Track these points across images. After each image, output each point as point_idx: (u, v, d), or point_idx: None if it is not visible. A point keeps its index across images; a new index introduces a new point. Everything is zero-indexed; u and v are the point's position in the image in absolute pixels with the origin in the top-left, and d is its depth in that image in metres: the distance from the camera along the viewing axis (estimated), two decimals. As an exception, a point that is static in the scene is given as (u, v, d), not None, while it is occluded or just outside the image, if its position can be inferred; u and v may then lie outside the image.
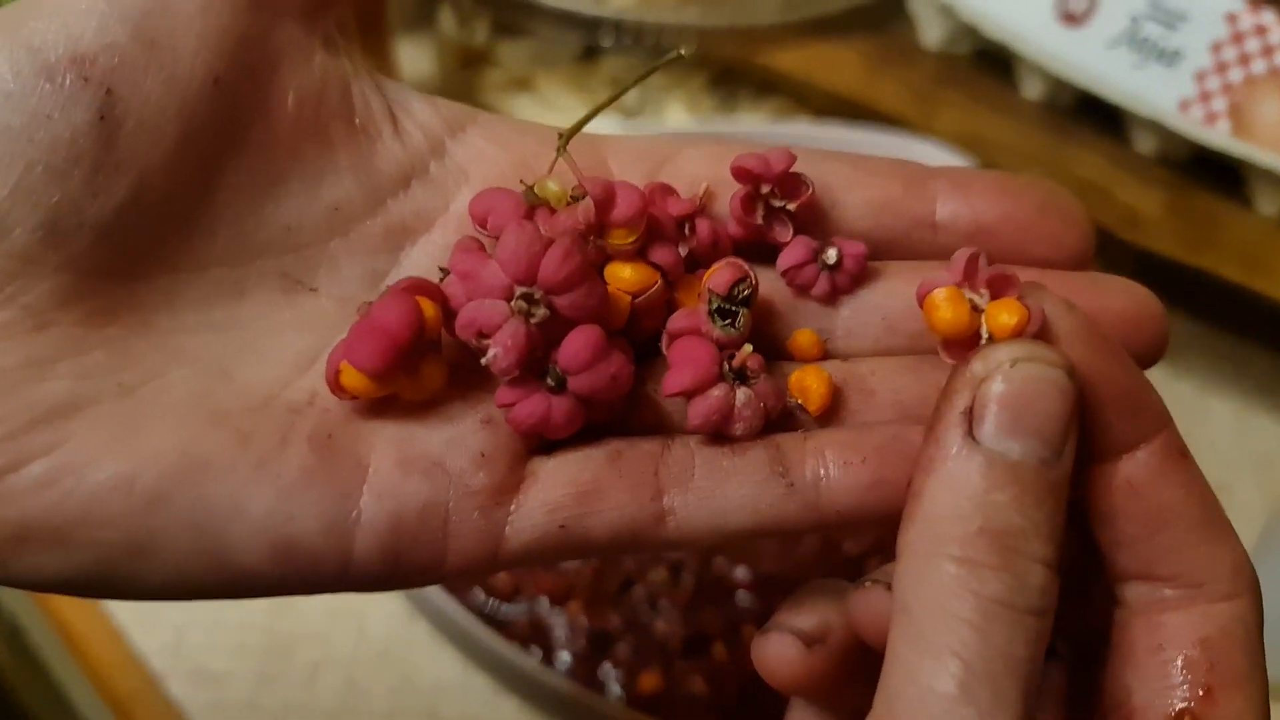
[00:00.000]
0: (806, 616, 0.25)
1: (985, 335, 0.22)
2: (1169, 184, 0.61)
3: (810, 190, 0.25)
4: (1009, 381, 0.20)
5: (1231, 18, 0.57)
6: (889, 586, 0.22)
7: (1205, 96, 0.58)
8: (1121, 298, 0.24)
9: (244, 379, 0.22)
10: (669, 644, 0.46)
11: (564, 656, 0.45)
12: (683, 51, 0.26)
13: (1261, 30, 0.57)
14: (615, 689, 0.45)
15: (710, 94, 0.73)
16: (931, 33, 0.70)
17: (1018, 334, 0.21)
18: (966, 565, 0.20)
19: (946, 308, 0.22)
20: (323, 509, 0.21)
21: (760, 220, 0.25)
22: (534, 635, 0.46)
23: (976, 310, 0.22)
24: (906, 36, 0.71)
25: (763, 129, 0.66)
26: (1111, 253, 0.61)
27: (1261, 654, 0.22)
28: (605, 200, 0.24)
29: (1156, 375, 0.24)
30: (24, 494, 0.20)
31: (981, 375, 0.21)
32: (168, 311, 0.23)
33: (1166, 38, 0.58)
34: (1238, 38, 0.57)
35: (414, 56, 0.76)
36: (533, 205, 0.24)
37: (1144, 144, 0.62)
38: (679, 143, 0.26)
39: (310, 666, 0.49)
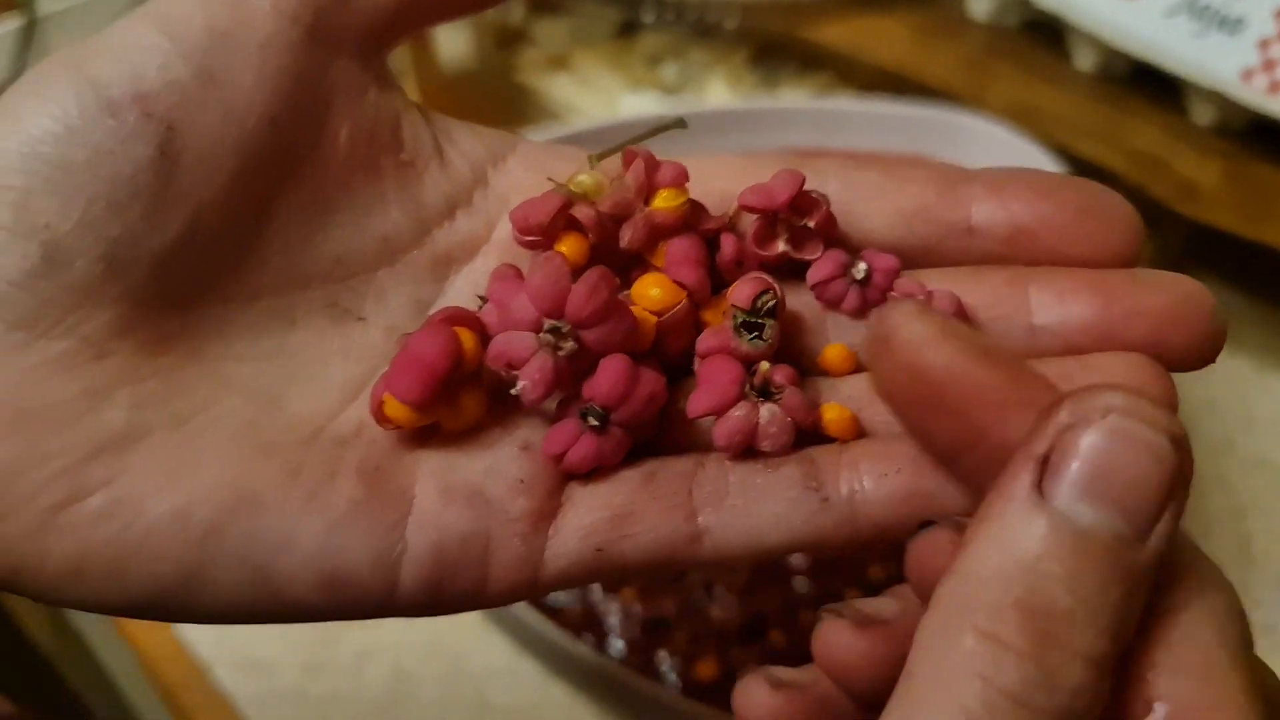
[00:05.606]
0: (871, 601, 0.24)
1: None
2: (1228, 155, 0.60)
3: (825, 207, 0.24)
4: (1096, 434, 0.17)
5: (1297, -17, 0.55)
6: (958, 527, 0.20)
7: (1269, 65, 0.56)
8: (1165, 293, 0.23)
9: (293, 409, 0.23)
10: (725, 630, 0.45)
11: (618, 644, 0.45)
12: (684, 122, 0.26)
13: (1328, -5, 0.55)
14: (671, 676, 0.44)
15: (752, 70, 0.72)
16: (980, 3, 0.68)
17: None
18: (988, 641, 0.17)
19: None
20: (371, 541, 0.21)
21: (782, 246, 0.25)
22: (587, 623, 0.45)
23: None
24: (955, 8, 0.70)
25: (807, 104, 0.65)
26: (1166, 226, 0.60)
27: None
28: (650, 164, 0.24)
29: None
30: (83, 526, 0.20)
31: (1067, 422, 0.17)
32: (219, 340, 0.23)
33: (1228, 4, 0.57)
34: (1303, 3, 0.55)
35: (450, 36, 0.75)
36: (569, 200, 0.24)
37: (1202, 114, 0.60)
38: (704, 160, 0.26)
39: (358, 654, 0.48)
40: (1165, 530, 0.17)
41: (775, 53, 0.73)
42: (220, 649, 0.48)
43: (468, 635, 0.49)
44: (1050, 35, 0.66)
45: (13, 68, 0.72)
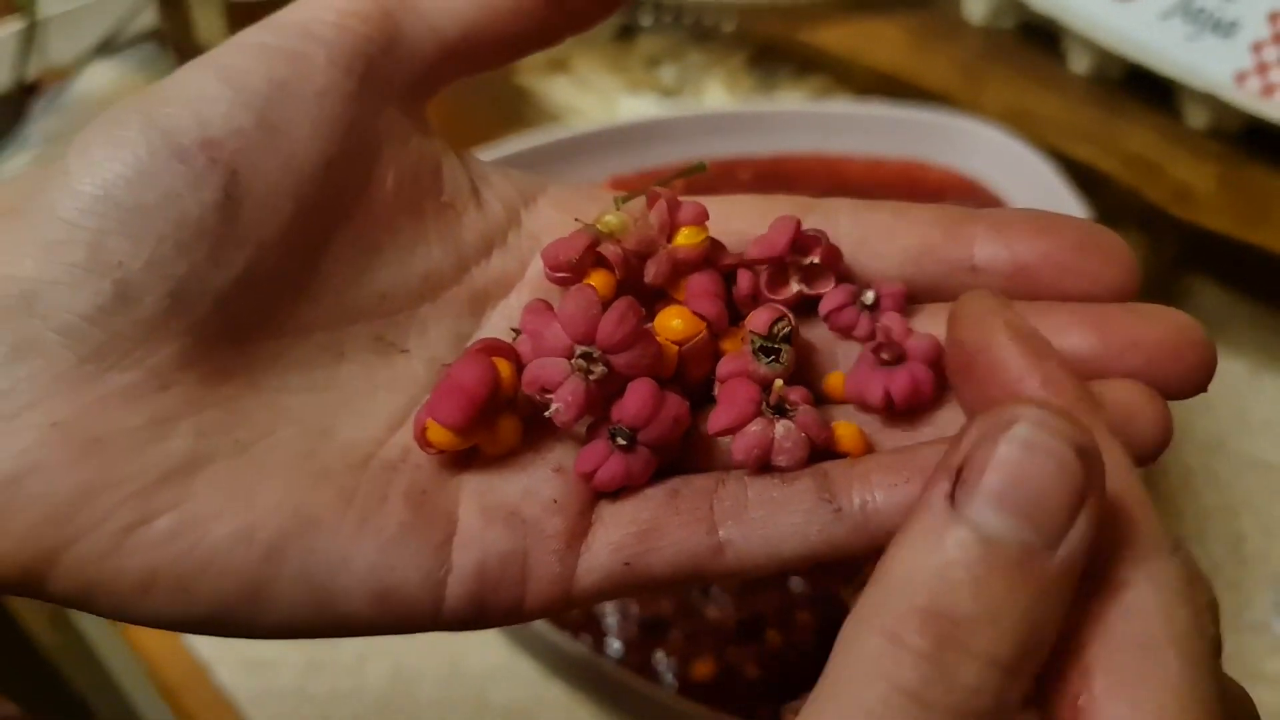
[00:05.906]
0: None
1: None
2: (1222, 158, 0.60)
3: (824, 241, 0.26)
4: (1005, 446, 0.18)
5: (1290, -13, 0.56)
6: None
7: (1262, 68, 0.56)
8: (1160, 326, 0.24)
9: (344, 436, 0.24)
10: (722, 630, 0.45)
11: (615, 644, 0.45)
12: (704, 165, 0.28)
13: (1321, -1, 0.55)
14: (668, 676, 0.44)
15: (749, 72, 0.73)
16: (976, 7, 0.69)
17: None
18: (892, 642, 0.17)
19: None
20: (420, 561, 0.23)
21: (796, 287, 0.26)
22: (584, 623, 0.45)
23: None
24: (951, 11, 0.70)
25: (804, 107, 0.65)
26: (1160, 229, 0.60)
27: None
28: (673, 205, 0.26)
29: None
30: (151, 547, 0.22)
31: (978, 435, 0.18)
32: (275, 372, 0.24)
33: (1222, 8, 0.57)
34: (1296, 7, 0.55)
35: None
36: (597, 238, 0.25)
37: (1196, 117, 0.61)
38: (723, 200, 0.28)
39: (358, 654, 0.49)
40: (1079, 538, 0.18)
41: (773, 56, 0.73)
42: (221, 649, 0.49)
43: (467, 635, 0.49)
44: (1045, 38, 0.66)
45: (14, 70, 0.73)
